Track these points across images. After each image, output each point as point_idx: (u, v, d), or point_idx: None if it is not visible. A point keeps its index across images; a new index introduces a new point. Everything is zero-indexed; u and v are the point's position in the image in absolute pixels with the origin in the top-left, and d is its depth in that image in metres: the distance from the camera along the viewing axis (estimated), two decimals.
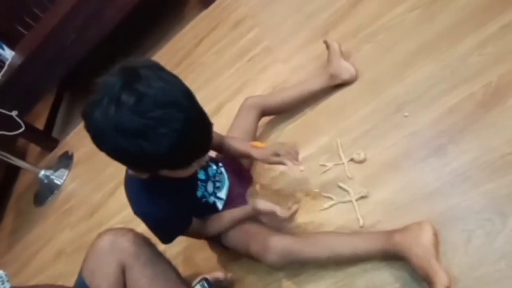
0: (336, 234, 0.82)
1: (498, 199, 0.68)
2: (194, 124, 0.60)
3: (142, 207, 0.77)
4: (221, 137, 0.94)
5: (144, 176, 0.71)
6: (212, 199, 0.90)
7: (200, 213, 0.87)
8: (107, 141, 0.58)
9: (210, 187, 0.89)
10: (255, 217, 0.86)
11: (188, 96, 0.62)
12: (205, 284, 0.67)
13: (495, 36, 0.86)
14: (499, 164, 0.71)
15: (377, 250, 0.72)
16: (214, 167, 0.92)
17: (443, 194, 0.74)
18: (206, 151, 0.68)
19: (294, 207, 0.82)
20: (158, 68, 0.62)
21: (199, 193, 0.86)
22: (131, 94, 0.55)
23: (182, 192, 0.81)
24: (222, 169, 0.95)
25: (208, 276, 0.85)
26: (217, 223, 0.87)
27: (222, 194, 0.92)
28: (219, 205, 0.91)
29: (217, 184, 0.91)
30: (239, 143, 0.92)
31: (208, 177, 0.89)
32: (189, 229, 0.83)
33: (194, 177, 0.84)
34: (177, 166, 0.65)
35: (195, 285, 0.68)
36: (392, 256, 0.70)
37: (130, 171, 0.76)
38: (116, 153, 0.60)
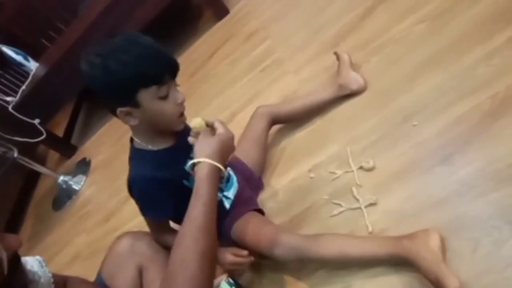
0: (346, 236, 0.83)
1: (505, 207, 0.69)
2: (158, 44, 0.71)
3: (139, 171, 0.80)
4: None
5: (134, 121, 0.75)
6: (219, 195, 0.91)
7: None
8: (92, 68, 0.70)
9: None
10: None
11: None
12: (231, 281, 0.69)
13: (502, 47, 0.88)
14: (505, 173, 0.72)
15: (385, 253, 0.73)
16: None
17: (451, 202, 0.75)
18: (172, 71, 0.73)
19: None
20: None
21: None
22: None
23: (179, 173, 0.81)
24: (231, 172, 0.97)
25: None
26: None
27: (230, 194, 0.94)
28: (227, 204, 0.92)
29: (221, 180, 0.92)
30: None
31: None
32: (172, 215, 0.85)
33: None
34: (153, 80, 0.70)
35: (220, 282, 0.69)
36: (400, 261, 0.71)
37: (134, 144, 0.81)
38: (100, 74, 0.70)
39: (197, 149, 0.70)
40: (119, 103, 0.72)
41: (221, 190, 0.93)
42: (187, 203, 0.66)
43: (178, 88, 0.76)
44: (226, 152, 0.73)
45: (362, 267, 0.78)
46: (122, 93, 0.72)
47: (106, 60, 0.68)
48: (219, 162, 0.68)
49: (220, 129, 0.73)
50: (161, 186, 0.80)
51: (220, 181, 0.68)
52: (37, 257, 0.69)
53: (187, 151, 0.79)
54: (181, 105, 0.76)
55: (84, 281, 0.82)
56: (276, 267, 0.90)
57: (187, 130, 0.79)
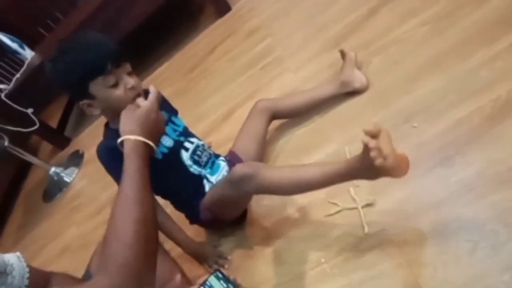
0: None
1: (504, 210, 0.68)
2: (98, 38, 0.78)
3: (107, 142, 0.85)
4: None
5: (97, 111, 0.82)
6: (201, 171, 0.96)
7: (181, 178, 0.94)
8: (49, 72, 0.78)
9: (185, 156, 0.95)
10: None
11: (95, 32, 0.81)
12: (219, 274, 0.68)
13: (505, 51, 0.88)
14: (505, 176, 0.71)
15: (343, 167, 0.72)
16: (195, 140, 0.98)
17: (449, 204, 0.75)
18: (114, 60, 0.77)
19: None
20: None
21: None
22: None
23: None
24: (221, 161, 1.01)
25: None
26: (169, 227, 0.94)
27: (213, 179, 0.97)
28: (207, 187, 0.96)
29: (196, 158, 0.96)
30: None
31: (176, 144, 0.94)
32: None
33: None
34: (97, 71, 0.76)
35: (209, 277, 0.68)
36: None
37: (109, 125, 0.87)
38: (54, 76, 0.79)
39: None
40: (77, 98, 0.81)
41: (204, 170, 0.97)
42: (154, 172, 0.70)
43: (130, 75, 0.80)
44: (150, 125, 0.72)
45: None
46: (75, 89, 0.81)
47: (55, 63, 0.77)
48: (142, 135, 0.68)
49: (141, 103, 0.74)
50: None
51: (151, 153, 0.69)
52: (17, 253, 0.67)
53: None
54: (133, 89, 0.79)
55: (69, 278, 0.79)
56: (266, 258, 0.89)
57: None
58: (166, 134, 0.92)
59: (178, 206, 1.01)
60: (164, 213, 0.94)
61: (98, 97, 0.79)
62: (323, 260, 0.83)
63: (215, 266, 0.96)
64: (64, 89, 0.88)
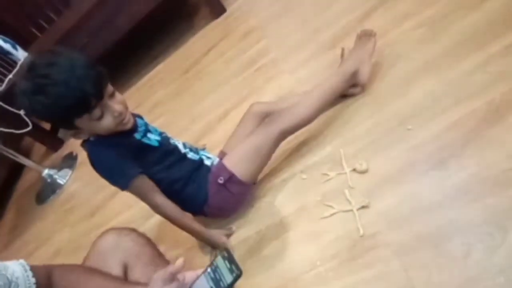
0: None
1: (499, 213, 0.68)
2: (76, 72, 0.72)
3: (98, 157, 0.84)
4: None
5: (85, 136, 0.82)
6: (197, 156, 1.00)
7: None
8: (26, 108, 0.75)
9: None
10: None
11: (70, 58, 0.75)
12: (226, 254, 0.67)
13: (499, 55, 0.88)
14: (500, 179, 0.71)
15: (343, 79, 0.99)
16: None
17: (444, 207, 0.75)
18: (98, 94, 0.75)
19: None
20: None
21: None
22: (27, 68, 0.75)
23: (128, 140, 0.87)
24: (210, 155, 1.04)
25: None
26: (187, 221, 0.94)
27: (210, 155, 1.03)
28: (208, 162, 1.00)
29: (189, 147, 1.00)
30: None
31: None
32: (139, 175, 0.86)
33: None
34: (82, 111, 0.75)
35: (216, 257, 0.68)
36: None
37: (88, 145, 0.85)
38: (33, 113, 0.78)
39: None
40: (62, 128, 0.83)
41: (199, 153, 1.01)
42: (148, 158, 0.84)
43: (113, 96, 0.79)
44: None
45: None
46: (60, 124, 0.82)
47: (32, 103, 0.73)
48: None
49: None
50: (119, 147, 0.83)
51: None
52: (21, 260, 0.66)
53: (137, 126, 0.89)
54: (120, 116, 0.79)
55: (71, 268, 0.78)
56: (261, 261, 0.88)
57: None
58: (150, 131, 0.93)
59: (184, 197, 0.96)
60: (179, 211, 0.92)
61: (85, 129, 0.79)
62: (318, 263, 0.83)
63: (223, 240, 0.96)
64: (45, 120, 0.86)
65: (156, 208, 0.90)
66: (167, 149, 0.93)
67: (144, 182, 0.87)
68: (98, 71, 0.76)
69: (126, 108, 0.82)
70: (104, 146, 0.83)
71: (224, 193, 0.95)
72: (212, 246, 0.98)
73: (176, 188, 0.94)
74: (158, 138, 0.93)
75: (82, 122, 0.77)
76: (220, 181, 0.94)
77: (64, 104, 0.72)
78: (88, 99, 0.73)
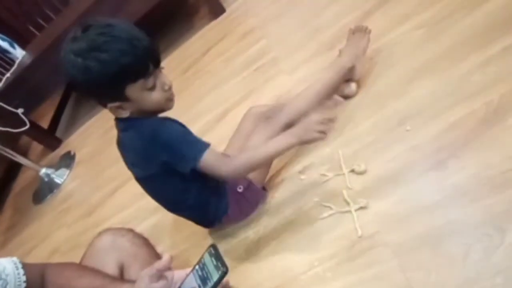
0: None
1: (497, 214, 0.68)
2: (137, 34, 0.69)
3: (154, 122, 0.78)
4: None
5: (126, 113, 0.75)
6: None
7: None
8: (76, 69, 0.68)
9: None
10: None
11: (126, 21, 0.72)
12: (212, 251, 0.66)
13: (497, 56, 0.89)
14: (499, 180, 0.71)
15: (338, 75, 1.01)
16: None
17: (442, 207, 0.75)
18: (156, 60, 0.73)
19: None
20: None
21: None
22: (78, 29, 0.69)
23: None
24: None
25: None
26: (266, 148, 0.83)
27: None
28: None
29: None
30: None
31: None
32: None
33: None
34: (138, 74, 0.70)
35: (204, 254, 0.67)
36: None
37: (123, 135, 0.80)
38: (85, 76, 0.68)
39: None
40: (107, 99, 0.73)
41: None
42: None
43: (163, 71, 0.76)
44: None
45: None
46: (108, 92, 0.72)
47: (86, 61, 0.67)
48: None
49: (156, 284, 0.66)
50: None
51: None
52: (14, 258, 0.66)
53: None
54: (170, 90, 0.76)
55: (64, 266, 0.78)
56: (259, 262, 0.88)
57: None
58: None
59: (206, 209, 0.93)
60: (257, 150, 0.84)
61: (133, 99, 0.73)
62: (316, 263, 0.82)
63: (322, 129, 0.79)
64: (91, 90, 0.73)
65: (235, 174, 0.81)
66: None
67: (214, 151, 0.78)
68: (155, 42, 0.73)
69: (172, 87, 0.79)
70: (168, 119, 0.78)
71: (242, 202, 0.94)
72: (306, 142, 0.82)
73: (203, 197, 0.89)
74: None
75: (134, 90, 0.71)
76: (240, 189, 0.92)
77: (125, 62, 0.67)
78: (148, 62, 0.70)
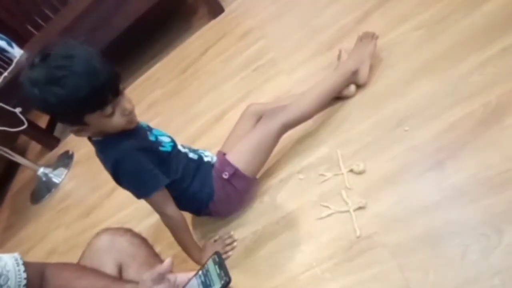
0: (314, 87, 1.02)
1: (495, 215, 0.68)
2: (96, 66, 0.70)
3: (119, 150, 0.81)
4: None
5: (87, 134, 0.79)
6: (197, 154, 0.98)
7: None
8: (33, 97, 0.69)
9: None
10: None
11: (87, 51, 0.72)
12: (216, 259, 0.66)
13: (495, 57, 0.89)
14: (496, 180, 0.72)
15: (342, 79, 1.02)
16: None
17: (441, 208, 0.75)
18: (114, 90, 0.74)
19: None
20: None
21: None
22: (38, 56, 0.70)
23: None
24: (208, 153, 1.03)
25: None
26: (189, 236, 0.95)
27: (208, 153, 1.02)
28: (209, 158, 0.99)
29: (187, 147, 0.99)
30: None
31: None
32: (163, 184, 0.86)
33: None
34: (97, 105, 0.72)
35: (208, 260, 0.67)
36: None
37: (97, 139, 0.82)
38: (42, 105, 0.71)
39: None
40: (67, 123, 0.77)
41: (198, 151, 1.01)
42: (168, 167, 0.84)
43: (123, 95, 0.77)
44: None
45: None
46: (67, 118, 0.76)
47: (43, 93, 0.68)
48: None
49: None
50: (144, 153, 0.83)
51: None
52: (15, 254, 0.65)
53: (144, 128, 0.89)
54: (130, 114, 0.78)
55: (64, 266, 0.77)
56: (257, 262, 0.87)
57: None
58: (162, 135, 0.93)
59: (190, 196, 0.95)
60: (185, 225, 0.93)
61: (93, 125, 0.76)
62: (314, 263, 0.82)
63: (228, 248, 0.97)
64: (52, 115, 0.82)
65: (168, 220, 0.89)
66: (176, 154, 0.92)
67: (164, 192, 0.87)
68: (113, 67, 0.74)
69: (133, 107, 0.81)
70: (132, 150, 0.81)
71: (229, 189, 0.95)
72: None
73: (183, 187, 0.93)
74: (170, 143, 0.92)
75: (93, 118, 0.74)
76: (225, 176, 0.94)
77: (81, 96, 0.68)
78: (106, 94, 0.72)
